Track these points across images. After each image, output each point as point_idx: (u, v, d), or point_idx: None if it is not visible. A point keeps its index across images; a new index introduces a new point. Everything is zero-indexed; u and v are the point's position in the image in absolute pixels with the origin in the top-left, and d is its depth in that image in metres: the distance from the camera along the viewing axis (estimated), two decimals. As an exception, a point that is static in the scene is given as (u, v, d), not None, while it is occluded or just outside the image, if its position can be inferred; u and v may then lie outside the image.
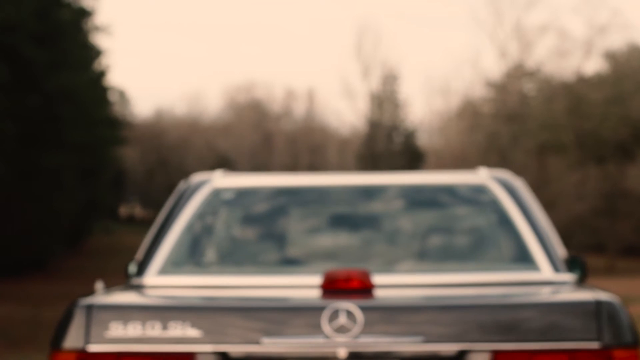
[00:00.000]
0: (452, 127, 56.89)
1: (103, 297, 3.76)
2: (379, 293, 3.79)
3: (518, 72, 50.50)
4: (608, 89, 46.12)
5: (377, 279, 3.97)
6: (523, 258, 4.17)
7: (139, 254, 4.38)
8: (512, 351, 3.47)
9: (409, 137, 66.39)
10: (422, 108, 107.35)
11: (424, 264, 4.25)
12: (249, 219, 4.47)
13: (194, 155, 78.20)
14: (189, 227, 4.33)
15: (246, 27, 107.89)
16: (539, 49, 57.95)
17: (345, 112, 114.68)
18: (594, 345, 3.45)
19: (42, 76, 26.67)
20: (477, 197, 4.45)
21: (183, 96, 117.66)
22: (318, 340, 3.49)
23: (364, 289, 3.78)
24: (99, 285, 4.20)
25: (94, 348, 3.55)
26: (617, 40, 69.20)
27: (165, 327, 3.53)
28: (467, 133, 51.98)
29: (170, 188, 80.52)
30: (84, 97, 31.37)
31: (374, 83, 65.26)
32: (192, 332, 3.51)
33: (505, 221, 4.30)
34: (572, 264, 4.37)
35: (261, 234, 4.42)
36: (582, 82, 48.45)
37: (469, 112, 53.06)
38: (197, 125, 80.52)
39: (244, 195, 4.49)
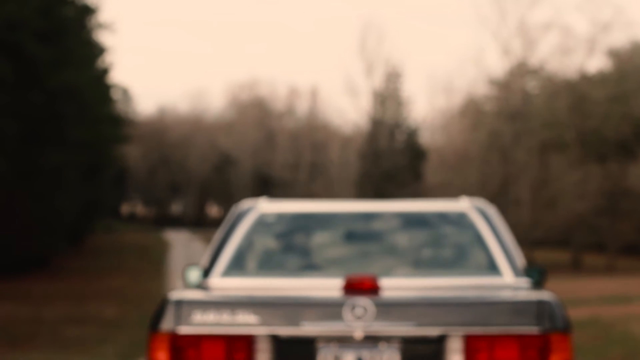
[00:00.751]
0: (454, 125, 56.90)
1: (186, 293, 5.10)
2: (384, 292, 5.09)
3: (521, 70, 50.49)
4: (611, 87, 46.10)
5: (383, 282, 5.26)
6: (491, 267, 5.57)
7: (204, 262, 5.77)
8: (478, 335, 4.83)
9: (412, 134, 66.40)
10: (425, 106, 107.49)
11: (417, 271, 5.64)
12: (286, 236, 5.91)
13: (196, 153, 78.24)
14: (241, 243, 5.75)
15: (249, 25, 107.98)
16: (542, 47, 57.83)
17: (348, 109, 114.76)
18: (535, 330, 4.82)
19: (45, 73, 26.67)
20: (458, 220, 5.87)
21: (186, 94, 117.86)
22: (341, 325, 4.85)
23: (374, 289, 5.10)
24: (179, 284, 5.29)
25: (182, 330, 4.89)
26: (620, 38, 69.21)
27: (232, 316, 4.88)
28: (470, 131, 51.99)
29: (172, 186, 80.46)
30: (86, 94, 31.36)
31: (377, 81, 65.27)
32: (252, 320, 4.87)
33: (479, 239, 5.72)
34: (531, 271, 5.83)
35: (296, 247, 5.86)
36: (585, 80, 48.42)
37: (471, 110, 53.07)
38: (200, 123, 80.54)
39: (282, 218, 5.95)
